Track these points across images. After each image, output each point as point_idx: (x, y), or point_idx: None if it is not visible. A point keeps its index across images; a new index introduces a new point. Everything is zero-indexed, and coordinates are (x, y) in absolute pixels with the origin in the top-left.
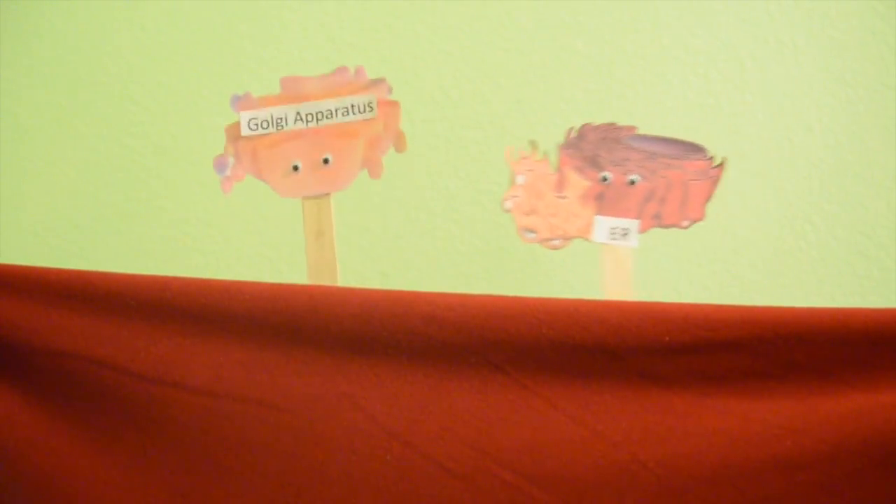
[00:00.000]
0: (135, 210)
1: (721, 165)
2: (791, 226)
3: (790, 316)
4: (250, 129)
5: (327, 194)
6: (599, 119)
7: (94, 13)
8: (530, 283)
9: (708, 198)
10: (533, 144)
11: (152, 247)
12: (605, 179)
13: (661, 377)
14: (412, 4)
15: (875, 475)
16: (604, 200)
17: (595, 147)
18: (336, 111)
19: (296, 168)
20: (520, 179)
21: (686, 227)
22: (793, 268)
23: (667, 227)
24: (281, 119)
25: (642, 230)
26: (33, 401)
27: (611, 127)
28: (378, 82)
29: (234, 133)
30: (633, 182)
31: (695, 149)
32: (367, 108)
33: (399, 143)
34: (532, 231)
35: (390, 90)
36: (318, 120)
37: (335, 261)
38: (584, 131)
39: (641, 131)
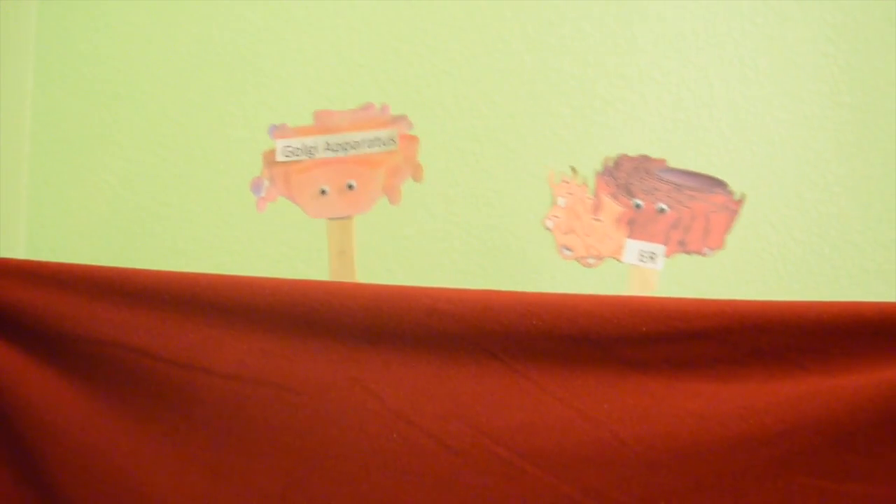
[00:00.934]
0: (168, 214)
1: (741, 200)
2: (754, 228)
3: (754, 308)
4: (285, 155)
5: (350, 217)
6: (584, 131)
7: (134, 35)
8: (522, 279)
9: (728, 229)
10: (573, 170)
11: (185, 247)
12: (637, 206)
13: (639, 363)
14: (421, 33)
15: (829, 450)
16: (635, 225)
17: (628, 176)
18: (362, 143)
19: (323, 192)
20: (561, 202)
21: (707, 255)
22: (755, 266)
23: (690, 253)
24: (313, 148)
25: (668, 255)
26: (78, 384)
27: (643, 158)
28: (400, 118)
29: (270, 158)
30: (662, 210)
31: (718, 183)
32: (390, 142)
33: (416, 174)
34: (569, 249)
35: (411, 126)
36: (345, 150)
37: (355, 278)
38: (619, 161)
39: (621, 140)
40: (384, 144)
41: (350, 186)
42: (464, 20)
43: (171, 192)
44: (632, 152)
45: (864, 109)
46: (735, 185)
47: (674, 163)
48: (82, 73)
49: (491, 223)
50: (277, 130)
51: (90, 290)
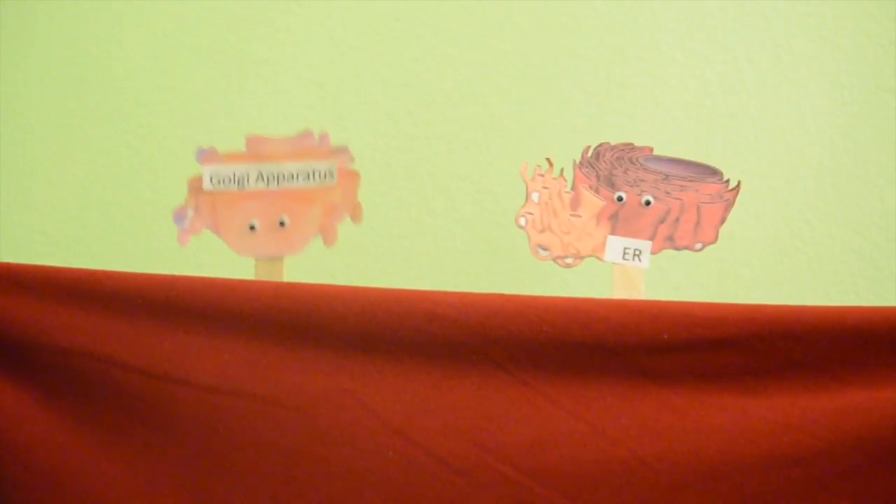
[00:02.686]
0: (142, 210)
1: (736, 188)
2: (787, 225)
3: (787, 314)
4: (212, 184)
5: (280, 258)
6: (596, 120)
7: (100, 17)
8: (529, 281)
9: (721, 221)
10: (549, 162)
11: (160, 246)
12: (620, 199)
13: (660, 374)
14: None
15: (870, 471)
16: (618, 220)
17: (610, 167)
18: (297, 175)
19: (252, 227)
20: (535, 197)
21: (699, 250)
22: (789, 266)
23: (679, 248)
24: (243, 177)
25: (654, 251)
26: (42, 398)
27: (627, 147)
28: (341, 150)
29: (196, 185)
30: (647, 203)
31: (710, 171)
32: (328, 176)
33: (356, 214)
34: (545, 248)
35: (352, 159)
36: (278, 182)
37: None
38: (600, 150)
39: (640, 132)
40: (322, 178)
41: (282, 223)
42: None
43: (145, 186)
44: (652, 143)
45: None
46: (769, 180)
47: (699, 155)
48: (47, 61)
49: (497, 220)
50: (206, 155)
51: (55, 294)
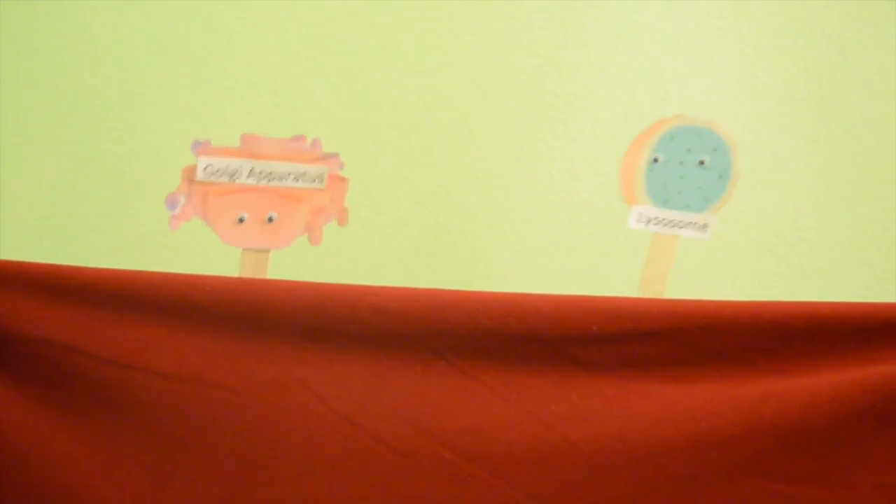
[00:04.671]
0: (107, 209)
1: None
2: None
3: (707, 308)
4: (205, 174)
5: (267, 250)
6: (531, 128)
7: (71, 25)
8: (469, 277)
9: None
10: None
11: (124, 243)
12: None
13: (590, 364)
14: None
15: (782, 453)
16: None
17: None
18: (288, 175)
19: (242, 220)
20: None
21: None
22: (709, 263)
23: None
24: (236, 171)
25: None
26: (11, 384)
27: None
28: (331, 156)
29: (189, 175)
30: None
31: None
32: (318, 180)
33: (342, 218)
34: None
35: (342, 166)
36: (269, 179)
37: None
38: None
39: (573, 140)
40: (311, 181)
41: (270, 219)
42: (414, 13)
43: (111, 187)
44: (584, 150)
45: (821, 105)
46: None
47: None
48: (15, 63)
49: (439, 220)
50: (200, 147)
51: (23, 287)
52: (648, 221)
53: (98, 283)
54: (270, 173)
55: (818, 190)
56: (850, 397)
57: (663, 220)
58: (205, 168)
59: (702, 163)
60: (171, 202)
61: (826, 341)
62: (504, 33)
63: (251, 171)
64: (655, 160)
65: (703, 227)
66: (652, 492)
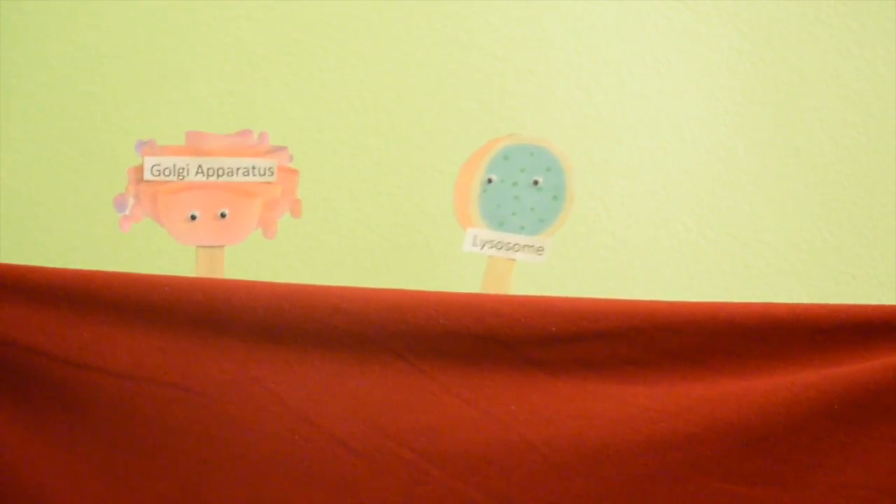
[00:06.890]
0: (63, 209)
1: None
2: (665, 226)
3: (664, 309)
4: (153, 174)
5: (221, 246)
6: (488, 128)
7: (27, 22)
8: (427, 277)
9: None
10: None
11: (80, 243)
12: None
13: (548, 364)
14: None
15: (740, 454)
16: None
17: None
18: (237, 170)
19: (193, 217)
20: None
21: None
22: (666, 264)
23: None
24: (183, 169)
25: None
26: None
27: None
28: (279, 149)
29: (137, 175)
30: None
31: None
32: (268, 173)
33: (295, 210)
34: None
35: (291, 158)
36: (218, 175)
37: None
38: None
39: (528, 140)
40: (261, 175)
41: (223, 215)
42: (370, 12)
43: (66, 186)
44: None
45: (778, 107)
46: (648, 184)
47: (586, 160)
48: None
49: (396, 220)
50: (145, 147)
51: None
52: (484, 245)
53: (55, 283)
54: (219, 169)
55: (775, 192)
56: (806, 398)
57: (498, 242)
58: (152, 168)
59: (536, 183)
60: (120, 204)
61: (783, 342)
62: (461, 34)
63: (199, 168)
64: (489, 181)
65: (539, 249)
66: (610, 492)
